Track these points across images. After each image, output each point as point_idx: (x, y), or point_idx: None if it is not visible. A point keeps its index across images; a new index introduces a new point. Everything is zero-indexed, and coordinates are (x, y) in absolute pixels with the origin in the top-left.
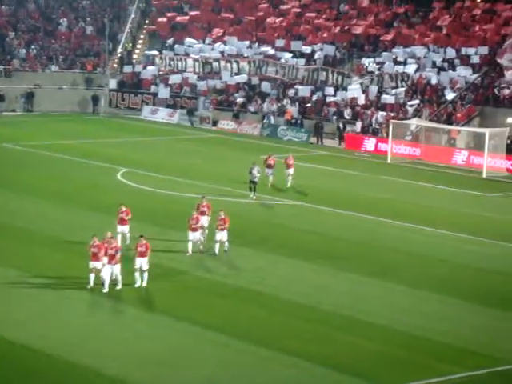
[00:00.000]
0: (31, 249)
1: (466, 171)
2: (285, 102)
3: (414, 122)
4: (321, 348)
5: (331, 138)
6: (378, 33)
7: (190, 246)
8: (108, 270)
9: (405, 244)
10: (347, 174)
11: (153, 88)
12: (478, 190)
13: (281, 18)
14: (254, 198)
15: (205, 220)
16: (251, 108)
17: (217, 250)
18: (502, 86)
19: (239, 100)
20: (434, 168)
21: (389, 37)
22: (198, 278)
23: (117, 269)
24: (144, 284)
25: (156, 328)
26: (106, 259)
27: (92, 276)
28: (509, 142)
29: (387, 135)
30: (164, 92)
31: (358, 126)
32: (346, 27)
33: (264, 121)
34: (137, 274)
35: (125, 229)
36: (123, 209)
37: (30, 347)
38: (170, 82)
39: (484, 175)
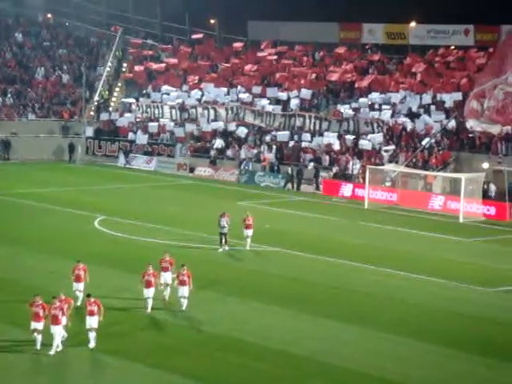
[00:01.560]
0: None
1: (443, 216)
2: (262, 148)
3: (390, 168)
4: None
5: (308, 184)
6: (353, 79)
7: (149, 303)
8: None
9: (380, 289)
10: (324, 219)
11: (130, 135)
12: (455, 235)
13: (256, 66)
14: (224, 249)
15: (168, 276)
16: (228, 154)
17: (183, 307)
18: (469, 134)
19: (216, 146)
20: (411, 213)
21: (364, 83)
22: (175, 325)
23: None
24: (91, 345)
25: (132, 377)
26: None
27: (37, 337)
28: (485, 187)
29: (364, 181)
30: (142, 139)
31: (335, 171)
32: (322, 74)
33: (241, 167)
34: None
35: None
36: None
37: None
38: (147, 129)
39: (461, 220)
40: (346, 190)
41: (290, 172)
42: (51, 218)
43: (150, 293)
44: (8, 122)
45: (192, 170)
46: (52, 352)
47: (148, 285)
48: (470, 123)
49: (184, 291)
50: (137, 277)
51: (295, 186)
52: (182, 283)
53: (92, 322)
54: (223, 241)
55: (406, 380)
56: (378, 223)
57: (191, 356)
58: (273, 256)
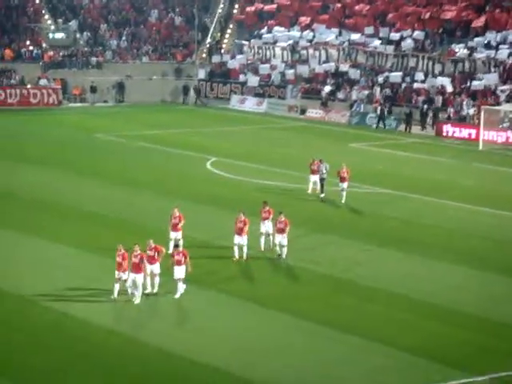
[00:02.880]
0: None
1: None
2: (374, 89)
3: (506, 108)
4: (411, 337)
5: (421, 126)
6: (469, 17)
7: (236, 250)
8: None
9: (497, 232)
10: (437, 161)
11: (241, 77)
12: None
13: (368, 6)
14: (322, 196)
15: (269, 226)
16: (340, 96)
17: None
18: None
19: (327, 88)
20: None
21: (480, 21)
22: (285, 266)
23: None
24: (177, 295)
25: (248, 317)
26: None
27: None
28: None
29: (479, 122)
30: (253, 81)
31: (449, 113)
32: (436, 13)
33: (352, 109)
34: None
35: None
36: (176, 213)
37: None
38: (258, 71)
39: None
40: (461, 131)
41: (403, 113)
42: (164, 159)
43: (242, 240)
44: (122, 65)
45: (303, 111)
46: (137, 301)
47: (240, 231)
48: None
49: (283, 240)
50: (252, 219)
51: (408, 127)
52: (280, 231)
53: (178, 272)
54: (321, 187)
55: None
56: (494, 165)
57: (302, 297)
58: (384, 198)
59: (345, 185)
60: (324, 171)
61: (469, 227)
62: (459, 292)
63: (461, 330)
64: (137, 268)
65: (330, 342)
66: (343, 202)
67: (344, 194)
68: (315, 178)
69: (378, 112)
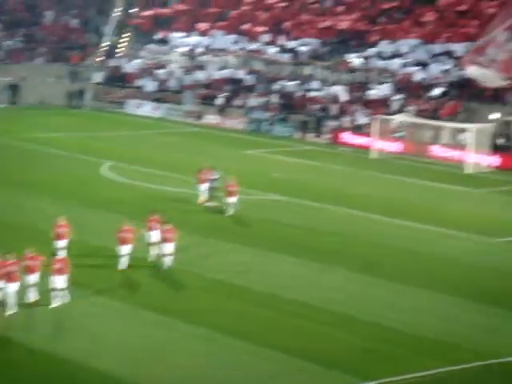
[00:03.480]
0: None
1: (451, 167)
2: (270, 96)
3: (398, 118)
4: (305, 342)
5: (315, 134)
6: (363, 28)
7: (121, 259)
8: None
9: (387, 238)
10: (331, 168)
11: (138, 82)
12: (463, 186)
13: (266, 14)
14: (213, 204)
15: (154, 235)
16: (236, 102)
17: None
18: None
19: (224, 94)
20: (418, 163)
21: (374, 32)
22: (177, 270)
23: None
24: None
25: (135, 323)
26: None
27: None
28: (494, 137)
29: (372, 131)
30: (150, 86)
31: (343, 121)
32: (332, 22)
33: (249, 115)
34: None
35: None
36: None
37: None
38: (156, 76)
39: (469, 171)
40: (355, 139)
41: (298, 121)
42: (59, 162)
43: (127, 249)
44: (16, 66)
45: (200, 117)
46: (11, 311)
47: (124, 241)
48: (473, 72)
49: (169, 249)
50: (141, 226)
51: (303, 135)
52: (166, 240)
53: (58, 281)
54: (211, 195)
55: (415, 329)
56: (385, 173)
57: (194, 302)
58: (279, 204)
59: (233, 199)
60: (215, 179)
61: (362, 233)
62: (354, 299)
63: (353, 336)
64: (11, 277)
65: (219, 347)
66: (230, 214)
67: (232, 208)
68: (205, 186)
69: (274, 119)
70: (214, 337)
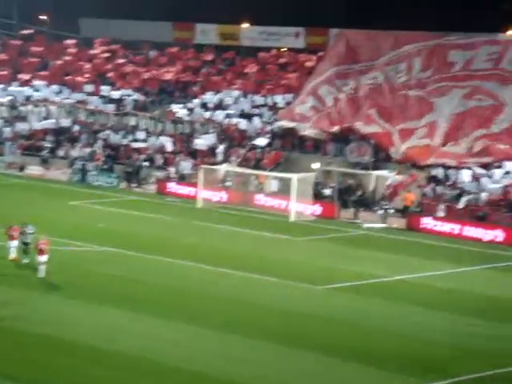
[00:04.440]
0: None
1: (275, 215)
2: (95, 147)
3: (223, 168)
4: None
5: (142, 184)
6: (187, 79)
7: None
8: None
9: (213, 288)
10: (158, 218)
11: None
12: (287, 234)
13: (89, 64)
14: (26, 261)
15: None
16: (60, 153)
17: None
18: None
19: (48, 145)
20: (244, 212)
21: (198, 83)
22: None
23: None
24: None
25: None
26: None
27: None
28: (315, 187)
29: (197, 180)
30: None
31: (169, 171)
32: (156, 73)
33: (74, 166)
34: None
35: None
36: None
37: None
38: None
39: (292, 219)
40: (180, 189)
41: (123, 171)
42: None
43: None
44: None
45: (22, 168)
46: None
47: None
48: (290, 125)
49: None
50: None
51: (129, 185)
52: None
53: None
54: (26, 251)
55: (237, 378)
56: (211, 222)
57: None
58: (104, 256)
59: (43, 258)
60: (28, 234)
61: (190, 283)
62: (179, 348)
63: None
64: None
65: None
66: (41, 276)
67: (43, 268)
68: (15, 243)
69: (99, 169)
70: None
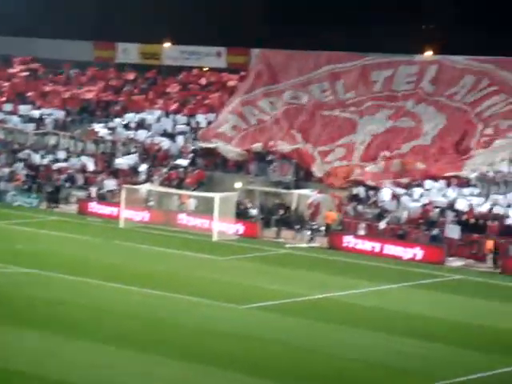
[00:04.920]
0: None
1: (197, 235)
2: (15, 166)
3: (145, 187)
4: None
5: (63, 204)
6: (108, 98)
7: None
8: None
9: (136, 308)
10: (79, 239)
11: None
12: (209, 254)
13: (8, 83)
14: None
15: None
16: None
17: None
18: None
19: None
20: (166, 232)
21: (119, 103)
22: None
23: None
24: None
25: None
26: None
27: None
28: (238, 206)
29: (119, 200)
30: None
31: (90, 191)
32: (76, 93)
33: None
34: None
35: None
36: None
37: None
38: None
39: (214, 239)
40: (102, 209)
41: (44, 191)
42: None
43: None
44: None
45: None
46: None
47: None
48: (212, 144)
49: None
50: None
51: (50, 205)
52: None
53: None
54: None
55: None
56: (134, 242)
57: None
58: (22, 277)
59: None
60: None
61: (112, 304)
62: (96, 370)
63: None
64: None
65: None
66: None
67: None
68: None
69: (19, 189)
70: None
